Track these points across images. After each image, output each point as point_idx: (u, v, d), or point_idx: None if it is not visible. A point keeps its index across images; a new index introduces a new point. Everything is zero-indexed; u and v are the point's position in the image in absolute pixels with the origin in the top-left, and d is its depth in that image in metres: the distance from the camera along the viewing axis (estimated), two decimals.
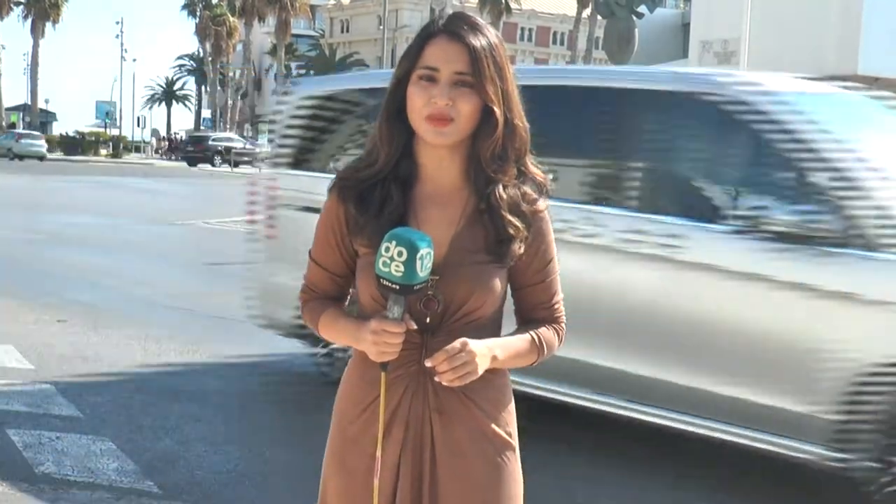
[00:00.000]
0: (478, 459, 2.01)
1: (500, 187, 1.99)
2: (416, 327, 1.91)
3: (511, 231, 1.98)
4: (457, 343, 1.89)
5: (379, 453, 1.97)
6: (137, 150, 68.46)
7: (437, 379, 1.91)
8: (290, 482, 4.50)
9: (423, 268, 1.85)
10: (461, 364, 1.88)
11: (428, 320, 1.95)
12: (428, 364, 1.91)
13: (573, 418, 5.56)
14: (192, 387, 6.08)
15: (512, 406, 2.09)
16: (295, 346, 7.24)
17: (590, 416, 4.91)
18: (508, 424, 2.06)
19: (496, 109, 1.94)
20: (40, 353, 6.77)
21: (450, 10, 2.08)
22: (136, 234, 15.57)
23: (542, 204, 2.04)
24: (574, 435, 5.34)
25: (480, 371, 1.91)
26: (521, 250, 2.00)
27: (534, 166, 2.05)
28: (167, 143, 69.48)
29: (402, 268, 1.83)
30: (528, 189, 2.02)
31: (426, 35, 1.98)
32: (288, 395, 5.98)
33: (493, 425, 2.03)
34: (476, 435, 2.01)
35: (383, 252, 1.84)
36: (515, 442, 2.07)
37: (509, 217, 1.98)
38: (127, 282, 10.53)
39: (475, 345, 1.90)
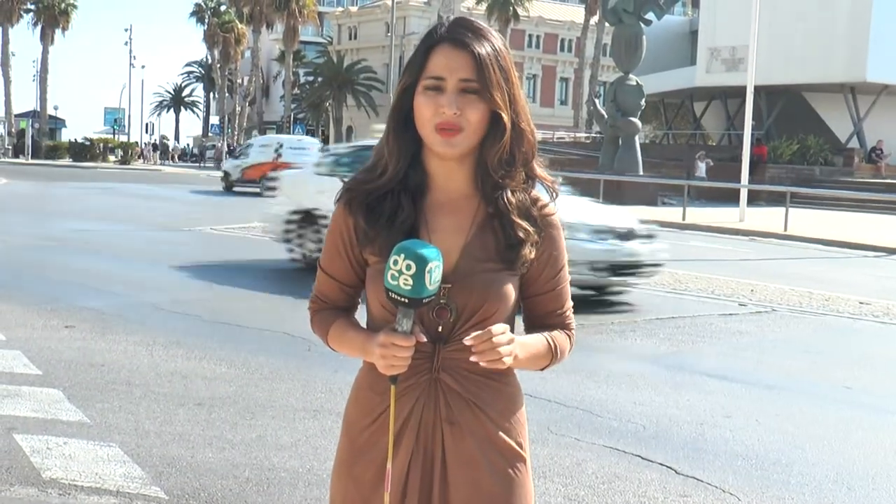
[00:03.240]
0: (488, 470, 1.99)
1: (508, 192, 1.97)
2: (425, 340, 1.89)
3: (521, 235, 1.96)
4: (498, 325, 1.88)
5: (389, 466, 1.95)
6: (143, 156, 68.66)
7: (472, 359, 1.87)
8: (296, 489, 4.49)
9: (433, 281, 1.83)
10: (500, 346, 1.85)
11: (440, 329, 1.94)
12: (467, 342, 1.86)
13: (577, 424, 5.53)
14: (198, 392, 6.08)
15: (523, 416, 2.07)
16: (304, 353, 7.24)
17: (594, 423, 4.87)
18: (519, 435, 2.04)
19: (504, 115, 1.92)
20: (48, 359, 6.78)
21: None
22: (144, 240, 15.58)
23: (552, 208, 2.03)
24: (579, 442, 5.32)
25: (509, 362, 1.89)
26: (533, 255, 1.98)
27: (541, 170, 2.03)
28: (154, 148, 69.46)
29: (410, 281, 1.80)
30: (537, 193, 2.01)
31: (430, 44, 1.95)
32: (294, 402, 5.97)
33: (504, 436, 2.01)
34: (486, 446, 1.99)
35: (392, 265, 1.82)
36: (526, 453, 2.06)
37: (519, 221, 1.96)
38: (134, 288, 10.55)
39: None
